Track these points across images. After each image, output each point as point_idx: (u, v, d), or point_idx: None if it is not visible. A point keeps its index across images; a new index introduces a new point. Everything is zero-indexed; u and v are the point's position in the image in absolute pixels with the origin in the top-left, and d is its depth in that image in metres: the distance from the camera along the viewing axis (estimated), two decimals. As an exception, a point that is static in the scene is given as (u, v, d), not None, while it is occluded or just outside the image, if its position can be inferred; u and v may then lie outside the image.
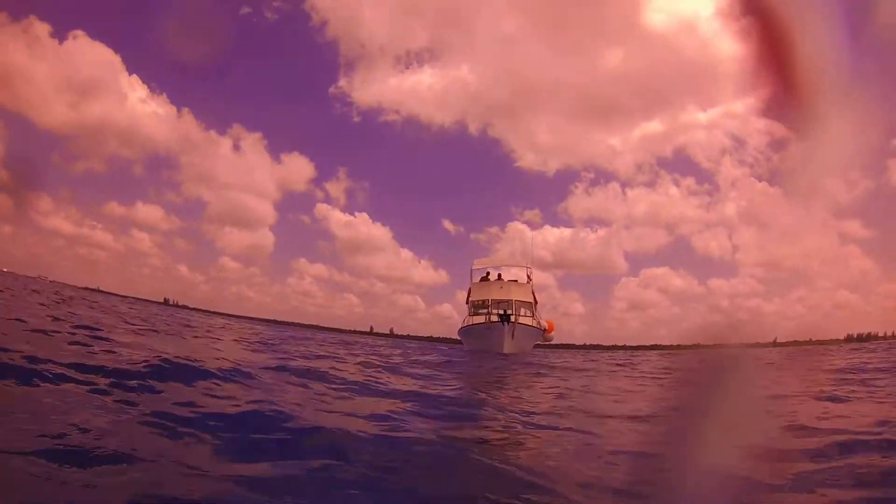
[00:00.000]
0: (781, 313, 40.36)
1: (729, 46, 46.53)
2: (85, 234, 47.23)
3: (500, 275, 25.15)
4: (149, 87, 47.87)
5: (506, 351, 19.14)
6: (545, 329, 24.27)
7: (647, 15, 50.51)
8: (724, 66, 47.32)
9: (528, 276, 25.73)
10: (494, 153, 53.37)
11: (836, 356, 14.85)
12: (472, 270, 26.66)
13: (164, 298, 50.74)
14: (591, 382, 8.83)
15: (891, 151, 36.55)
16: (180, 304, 50.28)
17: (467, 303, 25.39)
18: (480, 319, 21.88)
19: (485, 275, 25.87)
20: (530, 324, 22.47)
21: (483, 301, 23.74)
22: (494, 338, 19.58)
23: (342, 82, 52.72)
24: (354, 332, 47.45)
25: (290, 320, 47.96)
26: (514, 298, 23.20)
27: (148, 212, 48.23)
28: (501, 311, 20.20)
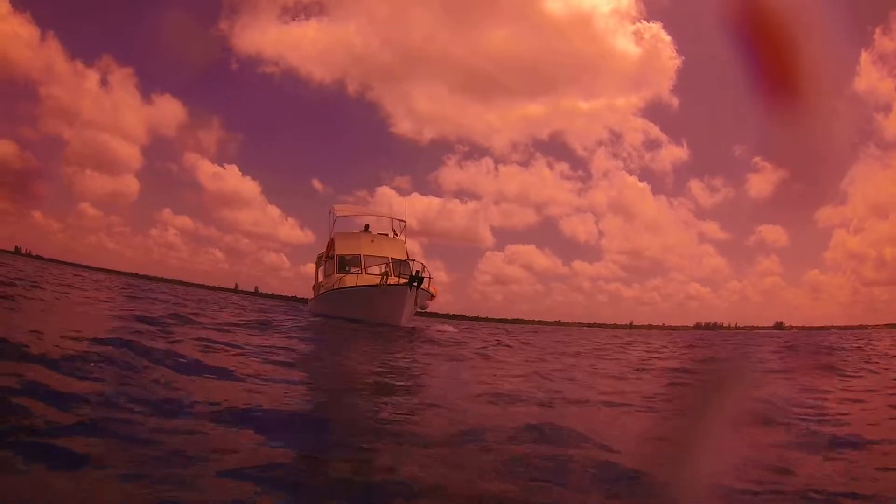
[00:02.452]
0: (638, 299, 44.25)
1: (620, 45, 49.59)
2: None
3: (367, 226, 19.87)
4: (10, 2, 41.92)
5: (403, 323, 14.91)
6: (432, 296, 18.23)
7: (544, 1, 51.20)
8: (613, 62, 49.92)
9: (400, 231, 20.54)
10: (371, 116, 51.49)
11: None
12: (333, 218, 20.80)
13: (15, 247, 45.59)
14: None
15: (752, 167, 41.09)
16: (33, 253, 45.52)
17: (325, 258, 20.23)
18: (350, 279, 16.86)
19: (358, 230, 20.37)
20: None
21: (353, 256, 18.57)
22: (390, 306, 14.74)
23: (223, 25, 49.02)
24: (219, 288, 45.49)
25: (151, 274, 44.96)
26: (389, 256, 18.53)
27: (0, 147, 42.70)
28: (412, 273, 14.86)
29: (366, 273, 17.24)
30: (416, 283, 14.44)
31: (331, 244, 19.65)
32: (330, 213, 21.27)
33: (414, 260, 17.08)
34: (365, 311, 15.25)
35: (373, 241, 18.99)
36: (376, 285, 15.71)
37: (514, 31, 49.04)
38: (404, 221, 20.72)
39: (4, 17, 38.17)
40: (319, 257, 22.75)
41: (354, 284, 16.41)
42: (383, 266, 17.83)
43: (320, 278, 21.94)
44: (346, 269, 18.04)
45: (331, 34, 47.00)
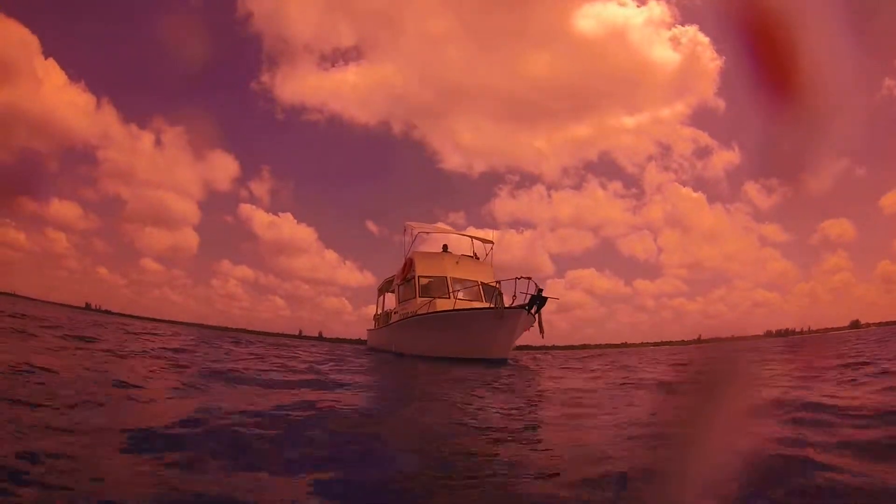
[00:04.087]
0: (704, 312, 42.60)
1: (658, 54, 49.25)
2: (-6, 232, 43.25)
3: (446, 246, 16.89)
4: (67, 74, 44.94)
5: (503, 356, 12.11)
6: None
7: (576, 21, 50.93)
8: (652, 74, 49.56)
9: (486, 254, 17.41)
10: (418, 155, 52.33)
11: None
12: (411, 235, 17.69)
13: (86, 303, 47.63)
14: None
15: (805, 162, 39.29)
16: (102, 308, 47.44)
17: (401, 281, 17.06)
18: (442, 303, 13.73)
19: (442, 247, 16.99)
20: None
21: (437, 279, 15.32)
22: (502, 335, 11.76)
23: (264, 78, 50.84)
24: (282, 335, 46.22)
25: (215, 324, 46.18)
26: (478, 279, 15.32)
27: (64, 209, 45.20)
28: (533, 293, 11.39)
29: (454, 298, 14.17)
30: (539, 305, 11.43)
31: (408, 265, 16.52)
32: (405, 230, 18.30)
33: (528, 278, 12.06)
34: (463, 341, 11.97)
35: (458, 262, 16.03)
36: (491, 308, 12.53)
37: (549, 54, 49.33)
38: (492, 243, 17.65)
39: (62, 88, 40.71)
40: (387, 282, 20.48)
41: (439, 310, 13.24)
42: (467, 292, 14.87)
43: (389, 305, 19.23)
44: (429, 293, 15.02)
45: (370, 77, 48.26)
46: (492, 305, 13.26)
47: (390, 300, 20.29)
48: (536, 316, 11.74)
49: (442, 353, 12.49)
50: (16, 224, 41.35)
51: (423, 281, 15.54)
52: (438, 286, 15.13)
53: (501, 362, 11.62)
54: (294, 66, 49.36)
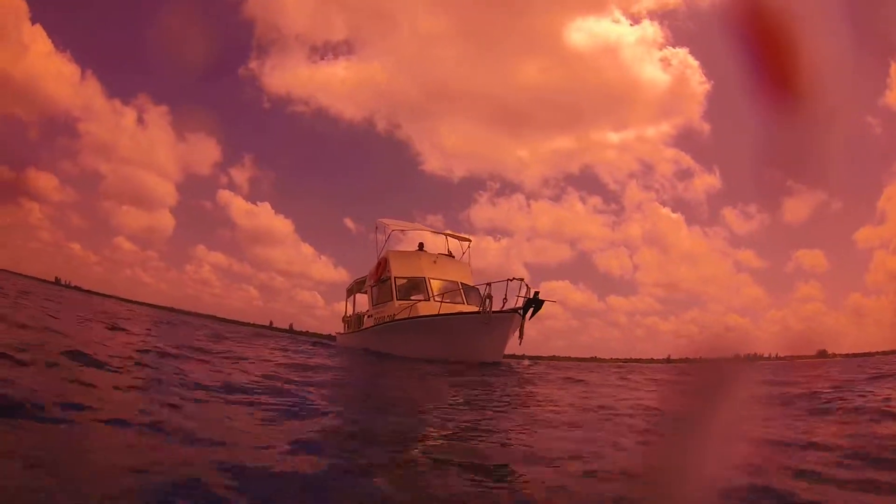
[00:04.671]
0: (676, 332, 43.19)
1: (647, 74, 49.91)
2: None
3: (422, 244, 15.90)
4: (53, 42, 43.85)
5: (495, 359, 11.43)
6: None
7: (569, 33, 51.25)
8: (641, 92, 50.15)
9: (462, 253, 16.41)
10: (400, 154, 51.75)
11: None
12: (385, 233, 16.67)
13: (56, 277, 46.54)
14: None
15: (786, 190, 40.43)
16: (72, 284, 46.35)
17: (375, 282, 15.99)
18: (424, 307, 13.03)
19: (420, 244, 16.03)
20: None
21: (415, 279, 14.50)
22: (492, 339, 11.15)
23: (253, 65, 50.21)
24: (253, 324, 45.60)
25: (186, 309, 45.47)
26: (459, 280, 14.35)
27: (41, 180, 44.03)
28: (528, 295, 10.71)
29: (433, 300, 13.34)
30: (535, 309, 10.67)
31: (382, 265, 15.48)
32: (377, 227, 17.25)
33: (520, 279, 11.27)
34: (449, 346, 11.20)
35: (435, 261, 15.00)
36: (477, 312, 11.39)
37: (540, 64, 49.45)
38: (469, 240, 16.77)
39: (47, 56, 39.81)
40: (358, 283, 19.45)
41: (436, 313, 12.33)
42: (448, 294, 13.79)
43: (363, 308, 18.13)
44: (407, 295, 14.26)
45: (359, 73, 47.89)
46: (476, 308, 12.31)
47: (362, 302, 19.28)
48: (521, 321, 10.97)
49: (422, 353, 11.77)
50: (-13, 191, 40.21)
51: (400, 282, 14.58)
52: (416, 287, 14.35)
53: (493, 365, 11.02)
54: (284, 55, 48.89)
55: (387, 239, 16.64)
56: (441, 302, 12.91)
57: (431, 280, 14.27)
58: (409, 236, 17.29)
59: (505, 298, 10.95)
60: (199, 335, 11.19)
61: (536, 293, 10.54)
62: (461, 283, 14.19)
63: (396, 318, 13.35)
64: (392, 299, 14.32)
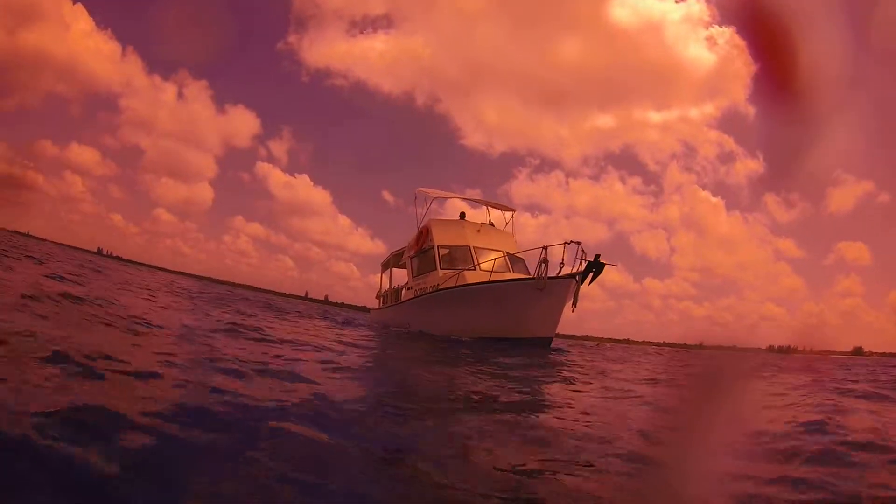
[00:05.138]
0: (710, 318, 42.42)
1: (692, 52, 48.16)
2: (15, 173, 42.54)
3: (463, 214, 15.11)
4: (94, 20, 45.02)
5: (548, 333, 10.55)
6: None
7: (612, 9, 50.21)
8: (685, 72, 48.86)
9: (506, 224, 15.67)
10: (440, 129, 52.25)
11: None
12: (426, 202, 15.70)
13: (98, 248, 48.42)
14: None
15: (832, 181, 39.10)
16: (114, 254, 48.14)
17: (415, 253, 15.15)
18: (471, 275, 12.04)
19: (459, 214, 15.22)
20: None
21: (460, 248, 13.58)
22: (547, 311, 10.21)
23: (291, 39, 51.10)
24: (289, 295, 46.20)
25: (223, 279, 46.60)
26: (505, 250, 13.46)
27: (83, 154, 45.66)
28: (591, 258, 9.89)
29: (479, 270, 12.51)
30: (596, 274, 9.88)
31: (423, 234, 14.77)
32: (416, 197, 16.29)
33: (577, 242, 10.08)
34: (499, 318, 10.47)
35: (479, 231, 14.34)
36: (532, 278, 10.37)
37: (583, 41, 49.08)
38: (513, 210, 16.09)
39: (89, 34, 41.19)
40: (395, 256, 18.63)
41: (487, 280, 11.32)
42: (493, 263, 12.78)
43: (403, 280, 17.36)
44: (451, 265, 13.31)
45: (398, 47, 48.27)
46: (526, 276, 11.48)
47: (399, 277, 18.90)
48: (576, 288, 10.06)
49: (473, 332, 10.93)
50: (35, 166, 41.92)
51: (443, 251, 13.79)
52: (461, 257, 13.49)
53: (546, 343, 10.44)
54: (322, 29, 49.38)
55: (427, 208, 15.87)
56: (491, 271, 12.04)
57: (476, 249, 13.55)
58: (448, 209, 16.95)
59: (562, 263, 10.05)
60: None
61: (597, 256, 9.78)
62: (507, 253, 13.46)
63: (441, 287, 12.59)
64: (436, 268, 13.58)
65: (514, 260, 13.46)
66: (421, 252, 14.77)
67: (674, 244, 46.21)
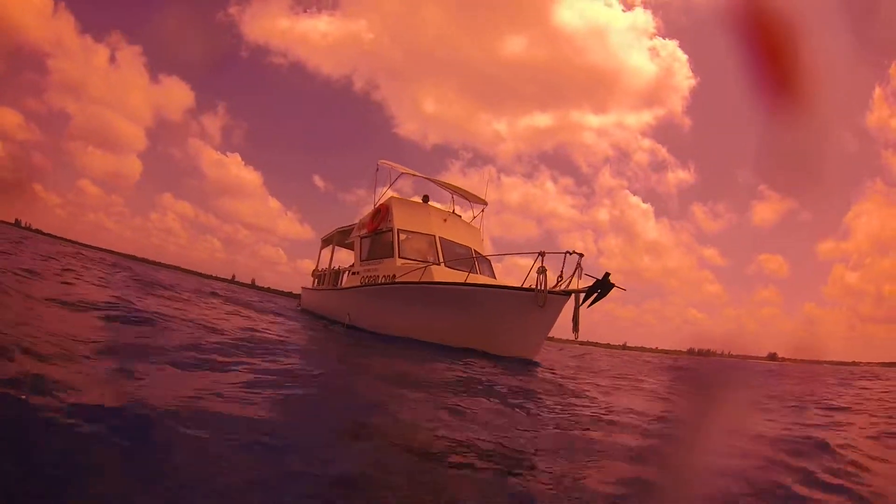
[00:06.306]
0: (634, 319, 44.56)
1: (634, 61, 50.02)
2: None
3: (427, 197, 13.00)
4: (24, -32, 41.57)
5: (531, 355, 8.87)
6: None
7: (559, 10, 51.19)
8: (626, 79, 50.85)
9: (474, 216, 13.88)
10: (375, 115, 51.80)
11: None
12: (388, 175, 13.81)
13: (16, 219, 45.07)
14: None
15: (757, 194, 42.01)
16: (33, 227, 44.91)
17: (369, 232, 12.89)
18: (439, 271, 10.23)
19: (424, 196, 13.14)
20: None
21: (420, 237, 11.77)
22: (537, 326, 8.65)
23: (232, 10, 48.93)
24: (215, 277, 44.56)
25: (148, 258, 44.40)
26: (471, 246, 12.24)
27: (4, 116, 42.27)
28: (602, 275, 7.94)
29: (442, 266, 10.74)
30: (600, 295, 8.06)
31: (382, 213, 12.50)
32: (378, 168, 14.13)
33: (579, 254, 8.37)
34: (477, 329, 8.80)
35: (446, 220, 12.30)
36: (528, 289, 8.50)
37: (528, 38, 49.69)
38: (485, 203, 13.90)
39: (17, -17, 37.78)
40: (341, 233, 16.47)
41: (454, 280, 9.50)
42: (458, 261, 11.18)
43: (349, 262, 14.92)
44: (410, 254, 11.46)
45: (341, 28, 47.28)
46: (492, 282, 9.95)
47: (342, 257, 17.10)
48: (575, 306, 8.42)
49: (437, 338, 9.20)
50: (-54, 125, 38.47)
51: (403, 236, 11.70)
52: (423, 247, 11.63)
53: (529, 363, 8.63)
54: (266, 3, 47.73)
55: (390, 184, 13.65)
56: (458, 270, 10.47)
57: (442, 240, 11.73)
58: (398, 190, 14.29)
59: (560, 276, 8.57)
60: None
61: (607, 275, 7.99)
62: (474, 250, 11.92)
63: (399, 279, 10.58)
64: (393, 255, 11.53)
65: (481, 260, 11.82)
66: (375, 233, 12.67)
67: (601, 246, 48.05)
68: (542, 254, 8.38)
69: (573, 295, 8.25)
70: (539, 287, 8.31)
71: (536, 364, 8.50)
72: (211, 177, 46.50)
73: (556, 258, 8.41)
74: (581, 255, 8.32)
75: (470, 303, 8.94)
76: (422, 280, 9.95)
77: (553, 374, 7.45)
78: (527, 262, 8.71)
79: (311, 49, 51.46)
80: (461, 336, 8.86)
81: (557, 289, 8.43)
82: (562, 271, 8.52)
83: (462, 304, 8.98)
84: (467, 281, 9.20)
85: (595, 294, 8.09)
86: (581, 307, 8.18)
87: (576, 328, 8.33)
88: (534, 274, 8.38)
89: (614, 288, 8.01)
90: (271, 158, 54.80)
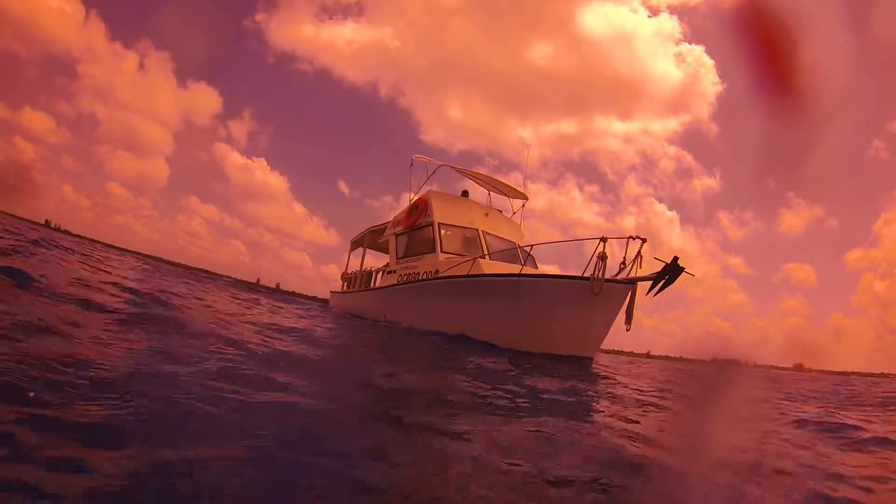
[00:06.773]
0: (657, 329, 44.02)
1: (660, 67, 49.63)
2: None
3: (466, 192, 12.89)
4: (58, -23, 42.60)
5: (590, 352, 8.40)
6: None
7: (585, 17, 51.11)
8: (651, 85, 50.45)
9: (514, 213, 13.41)
10: (401, 123, 51.96)
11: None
12: (426, 169, 13.37)
13: (46, 220, 45.80)
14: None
15: (785, 201, 41.37)
16: (62, 227, 45.63)
17: (405, 229, 12.55)
18: (488, 264, 9.59)
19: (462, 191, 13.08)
20: None
21: (462, 231, 11.33)
22: (595, 319, 7.98)
23: (259, 17, 49.43)
24: (240, 281, 44.66)
25: (174, 260, 44.74)
26: (515, 240, 11.80)
27: (36, 120, 43.27)
28: (669, 261, 7.24)
29: (488, 259, 10.19)
30: (669, 281, 7.39)
31: (421, 208, 12.02)
32: (412, 163, 13.69)
33: (643, 239, 7.93)
34: (529, 323, 8.21)
35: (487, 214, 11.98)
36: (585, 277, 7.86)
37: (553, 46, 49.61)
38: (525, 198, 13.28)
39: (49, -9, 38.77)
40: (372, 232, 16.14)
41: (519, 272, 8.81)
42: (502, 254, 10.94)
43: (385, 262, 14.53)
44: (454, 249, 10.98)
45: (367, 36, 47.71)
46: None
47: (372, 259, 17.03)
48: (630, 297, 7.80)
49: (486, 336, 8.62)
50: (-18, 129, 39.30)
51: (444, 231, 11.25)
52: (467, 241, 11.11)
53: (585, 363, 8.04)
54: (292, 11, 48.28)
55: (427, 178, 13.05)
56: (507, 263, 10.07)
57: (485, 234, 11.17)
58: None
59: (623, 264, 7.93)
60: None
61: (676, 259, 7.29)
62: (519, 246, 11.47)
63: (443, 274, 10.02)
64: (434, 251, 10.96)
65: (525, 255, 11.20)
66: (413, 229, 12.16)
67: (627, 254, 47.12)
68: (603, 239, 7.82)
69: (633, 284, 7.68)
70: (596, 274, 7.74)
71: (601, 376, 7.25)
72: (236, 181, 47.14)
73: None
74: (644, 241, 7.76)
75: (522, 293, 8.35)
76: (470, 273, 9.36)
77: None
78: (551, 268, 8.69)
79: (336, 56, 52.03)
80: (512, 333, 8.31)
81: (618, 277, 7.79)
82: (624, 258, 7.92)
83: (514, 297, 8.44)
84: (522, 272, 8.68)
85: (663, 280, 7.42)
86: (648, 295, 7.57)
87: (629, 321, 7.82)
88: (594, 262, 7.90)
89: (683, 273, 7.37)
90: (297, 164, 55.33)
